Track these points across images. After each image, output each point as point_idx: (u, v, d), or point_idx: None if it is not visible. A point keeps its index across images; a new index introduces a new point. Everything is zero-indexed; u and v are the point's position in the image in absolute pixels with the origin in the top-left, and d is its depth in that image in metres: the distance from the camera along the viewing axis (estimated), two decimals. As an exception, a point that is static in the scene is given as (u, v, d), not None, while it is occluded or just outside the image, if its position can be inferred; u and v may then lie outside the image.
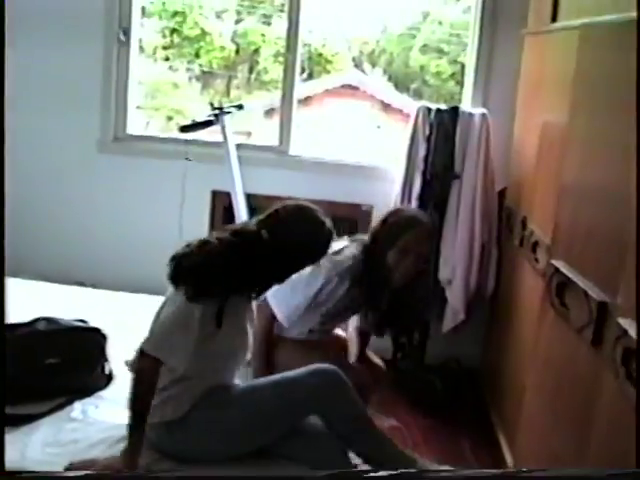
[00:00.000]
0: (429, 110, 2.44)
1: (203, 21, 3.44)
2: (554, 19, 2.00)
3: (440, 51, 3.50)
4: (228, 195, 2.58)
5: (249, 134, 3.30)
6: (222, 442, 1.41)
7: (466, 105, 2.61)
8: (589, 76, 1.56)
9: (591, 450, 1.28)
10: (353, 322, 1.95)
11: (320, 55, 3.64)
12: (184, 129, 2.55)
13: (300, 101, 2.92)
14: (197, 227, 2.68)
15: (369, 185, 2.67)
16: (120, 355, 1.72)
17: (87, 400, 1.63)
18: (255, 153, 2.74)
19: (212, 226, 2.75)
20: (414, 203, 2.41)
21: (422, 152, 2.43)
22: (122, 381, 1.61)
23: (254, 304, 1.56)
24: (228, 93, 3.63)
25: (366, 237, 1.81)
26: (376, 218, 1.95)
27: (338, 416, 1.44)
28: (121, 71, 2.74)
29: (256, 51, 3.61)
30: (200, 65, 3.55)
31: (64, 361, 1.63)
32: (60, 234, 2.81)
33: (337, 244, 1.70)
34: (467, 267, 2.40)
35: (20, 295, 1.86)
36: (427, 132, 2.42)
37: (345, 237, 1.83)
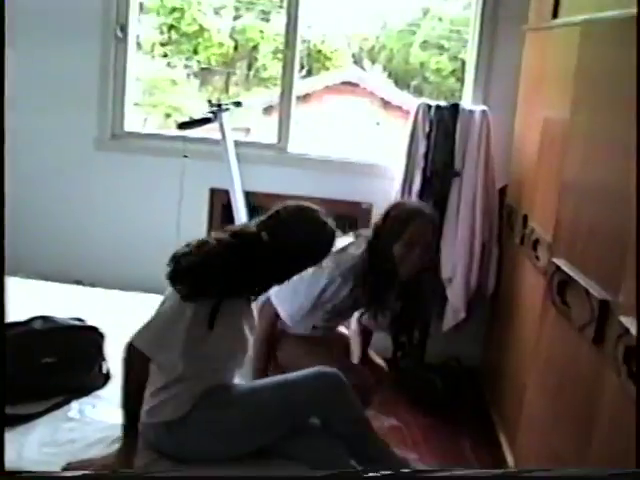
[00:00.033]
0: (429, 107, 2.43)
1: (201, 17, 3.43)
2: (555, 15, 1.98)
3: (440, 47, 3.49)
4: (226, 193, 2.57)
5: (248, 131, 3.29)
6: (222, 442, 1.41)
7: (466, 102, 2.59)
8: (590, 72, 1.55)
9: (593, 449, 1.27)
10: (353, 323, 1.94)
11: (319, 52, 3.63)
12: (182, 126, 2.54)
13: (299, 98, 2.91)
14: (195, 225, 2.67)
15: (369, 183, 2.65)
16: (118, 354, 1.70)
17: (84, 399, 1.62)
18: (254, 150, 2.72)
19: (210, 224, 2.74)
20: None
21: (422, 149, 2.42)
22: (120, 380, 1.59)
23: (255, 305, 1.55)
24: (227, 90, 3.62)
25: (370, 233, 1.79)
26: (376, 216, 1.94)
27: (338, 419, 1.44)
28: (118, 68, 2.72)
29: (255, 47, 3.60)
30: (198, 62, 3.54)
31: (61, 360, 1.62)
32: (57, 232, 2.79)
33: (342, 240, 1.68)
34: (468, 265, 2.39)
35: (17, 294, 1.85)
36: (427, 129, 2.41)
37: (351, 233, 1.81)
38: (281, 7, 2.86)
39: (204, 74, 3.59)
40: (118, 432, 1.40)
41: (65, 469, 1.32)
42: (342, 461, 1.40)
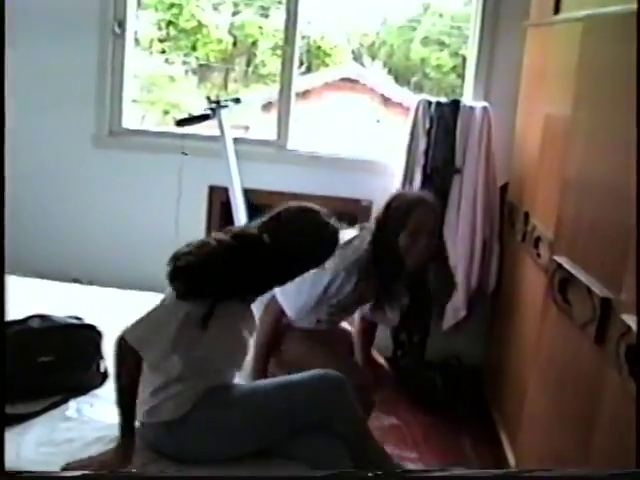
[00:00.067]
0: (429, 103, 2.42)
1: (200, 13, 3.41)
2: (557, 11, 1.97)
3: (441, 43, 3.48)
4: (225, 190, 2.56)
5: (247, 128, 3.27)
6: (222, 442, 1.40)
7: (467, 98, 2.58)
8: (592, 68, 1.54)
9: (594, 448, 1.27)
10: (357, 323, 1.93)
11: (319, 48, 3.61)
12: (180, 123, 2.52)
13: (299, 95, 2.90)
14: (194, 223, 2.66)
15: (368, 180, 2.64)
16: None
17: (82, 399, 1.61)
18: (253, 147, 2.71)
19: (209, 222, 2.73)
20: (414, 198, 2.39)
21: (422, 146, 2.41)
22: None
23: (261, 302, 1.53)
24: (225, 86, 3.60)
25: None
26: (376, 213, 1.92)
27: (338, 419, 1.43)
28: (116, 64, 2.70)
29: (254, 44, 3.58)
30: (197, 58, 3.52)
31: (58, 359, 1.61)
32: (55, 230, 2.78)
33: (345, 234, 1.66)
34: (468, 263, 2.38)
35: (14, 292, 1.84)
36: (427, 126, 2.40)
37: (356, 226, 1.79)
38: (280, 3, 2.84)
39: (202, 70, 3.58)
40: (116, 431, 1.39)
41: (64, 469, 1.31)
42: (342, 461, 1.39)
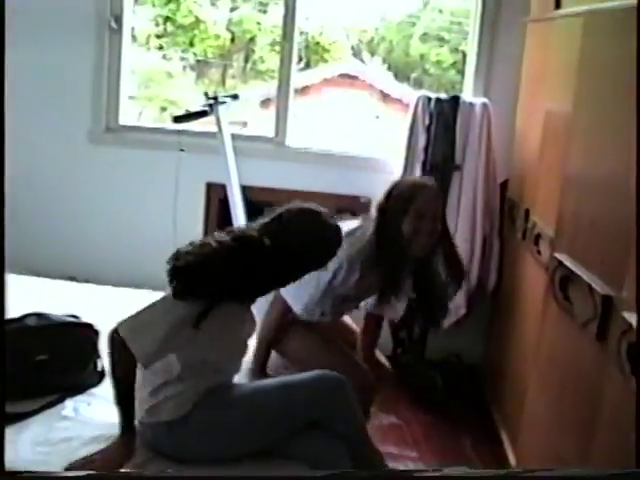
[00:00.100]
0: (429, 99, 2.41)
1: (197, 9, 3.39)
2: (557, 6, 1.96)
3: (441, 39, 3.45)
4: (223, 187, 2.55)
5: (245, 124, 3.26)
6: (222, 442, 1.39)
7: (467, 94, 2.57)
8: (593, 64, 1.53)
9: (595, 447, 1.26)
10: (359, 325, 1.92)
11: (317, 44, 3.59)
12: (178, 119, 2.51)
13: (297, 91, 2.88)
14: (192, 220, 2.65)
15: (368, 176, 2.62)
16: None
17: (79, 397, 1.60)
18: (251, 144, 2.70)
19: (207, 219, 2.72)
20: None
21: (422, 143, 2.40)
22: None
23: (267, 298, 1.52)
24: (223, 83, 3.58)
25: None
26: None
27: (338, 419, 1.43)
28: (113, 60, 2.69)
29: (252, 39, 3.56)
30: (194, 54, 3.50)
31: (55, 357, 1.60)
32: (51, 227, 2.76)
33: (348, 224, 1.65)
34: (468, 260, 2.37)
35: (11, 290, 1.83)
36: (427, 122, 2.39)
37: (361, 216, 1.77)
38: (278, -2, 2.82)
39: (200, 66, 3.56)
40: (114, 431, 1.39)
41: (67, 469, 1.31)
42: (342, 461, 1.39)
